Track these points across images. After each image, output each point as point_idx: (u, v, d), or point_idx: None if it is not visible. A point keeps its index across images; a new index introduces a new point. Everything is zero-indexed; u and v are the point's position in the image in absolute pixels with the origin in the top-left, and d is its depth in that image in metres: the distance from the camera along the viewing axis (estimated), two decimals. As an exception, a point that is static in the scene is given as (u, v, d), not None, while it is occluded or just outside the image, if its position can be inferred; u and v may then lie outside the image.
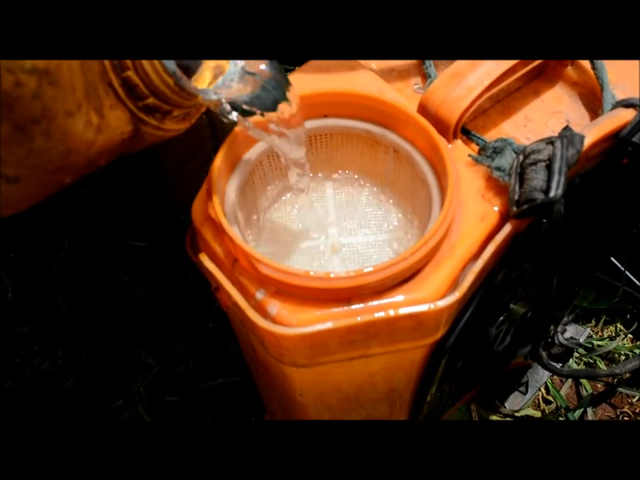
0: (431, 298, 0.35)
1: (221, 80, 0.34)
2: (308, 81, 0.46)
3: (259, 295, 0.36)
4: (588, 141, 0.38)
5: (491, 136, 0.44)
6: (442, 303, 0.35)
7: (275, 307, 0.36)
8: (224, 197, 0.40)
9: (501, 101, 0.46)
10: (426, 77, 0.46)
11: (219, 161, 0.39)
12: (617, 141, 0.41)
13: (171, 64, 0.31)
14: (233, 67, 0.35)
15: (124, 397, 0.85)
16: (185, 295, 0.93)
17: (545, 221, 0.36)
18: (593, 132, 0.39)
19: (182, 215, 0.92)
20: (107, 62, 0.31)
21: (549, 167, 0.36)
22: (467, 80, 0.40)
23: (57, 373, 0.88)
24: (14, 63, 0.25)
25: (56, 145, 0.29)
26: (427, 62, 0.47)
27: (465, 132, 0.43)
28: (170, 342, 0.89)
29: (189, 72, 0.34)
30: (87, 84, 0.29)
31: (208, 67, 0.35)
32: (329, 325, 0.34)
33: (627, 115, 0.41)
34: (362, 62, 0.48)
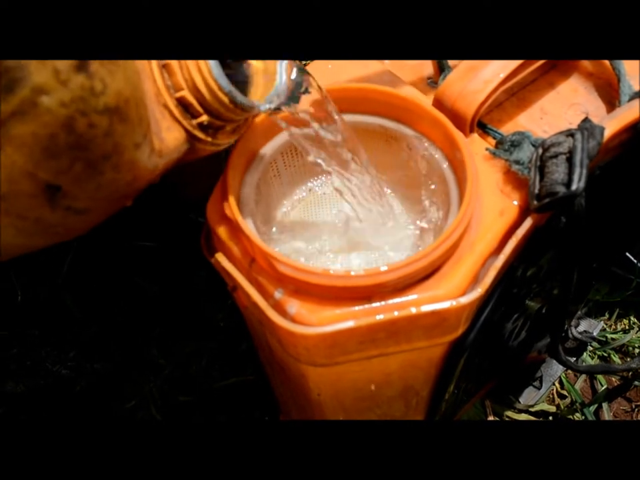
0: (452, 295, 0.35)
1: (274, 91, 0.34)
2: (320, 76, 0.46)
3: (278, 295, 0.36)
4: (607, 133, 0.38)
5: (506, 129, 0.43)
6: (464, 300, 0.35)
7: (294, 306, 0.35)
8: (239, 195, 0.40)
9: (516, 93, 0.46)
10: (439, 70, 0.46)
11: (233, 159, 0.39)
12: (635, 132, 0.40)
13: (225, 82, 0.31)
14: (280, 70, 0.35)
15: (136, 398, 0.85)
16: (196, 295, 0.93)
17: (566, 214, 0.36)
18: (612, 123, 0.39)
19: (191, 212, 0.92)
20: (160, 83, 0.31)
21: (570, 160, 0.35)
22: (483, 73, 0.40)
23: (68, 375, 0.88)
24: (87, 104, 0.25)
25: (124, 176, 0.29)
26: (440, 55, 0.47)
27: (480, 125, 0.43)
28: (182, 342, 0.89)
29: (239, 84, 0.34)
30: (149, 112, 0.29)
31: (258, 74, 0.35)
32: (350, 323, 0.34)
33: (646, 106, 0.40)
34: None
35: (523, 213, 0.38)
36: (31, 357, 0.88)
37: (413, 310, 0.34)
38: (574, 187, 0.34)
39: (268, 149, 0.42)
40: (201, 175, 0.85)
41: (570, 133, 0.36)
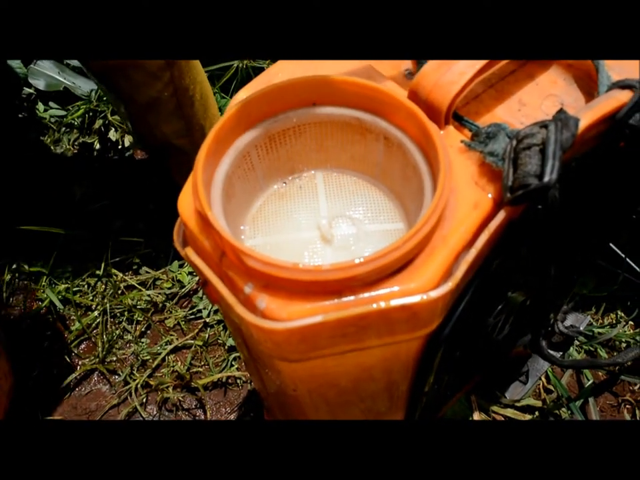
0: (424, 288, 0.34)
1: None
2: (297, 68, 0.45)
3: (248, 289, 0.35)
4: (583, 124, 0.37)
5: (484, 121, 0.43)
6: (434, 294, 0.34)
7: (264, 300, 0.35)
8: (210, 189, 0.39)
9: (494, 85, 0.45)
10: (417, 61, 0.45)
11: (204, 152, 0.38)
12: (613, 123, 0.40)
13: None
14: None
15: (122, 395, 0.84)
16: (181, 290, 0.92)
17: (539, 207, 0.35)
18: (588, 115, 0.38)
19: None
20: None
21: (543, 152, 0.35)
22: (458, 64, 0.39)
23: (54, 372, 0.87)
24: None
25: None
26: (418, 47, 0.46)
27: (457, 118, 0.42)
28: (167, 338, 0.88)
29: None
30: None
31: None
32: (319, 318, 0.33)
33: (623, 96, 0.39)
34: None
35: (498, 206, 0.37)
36: (17, 355, 0.88)
37: (383, 304, 0.33)
38: (546, 178, 0.33)
39: (241, 142, 0.41)
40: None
41: (543, 125, 0.36)
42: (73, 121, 1.15)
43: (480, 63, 0.40)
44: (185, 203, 0.39)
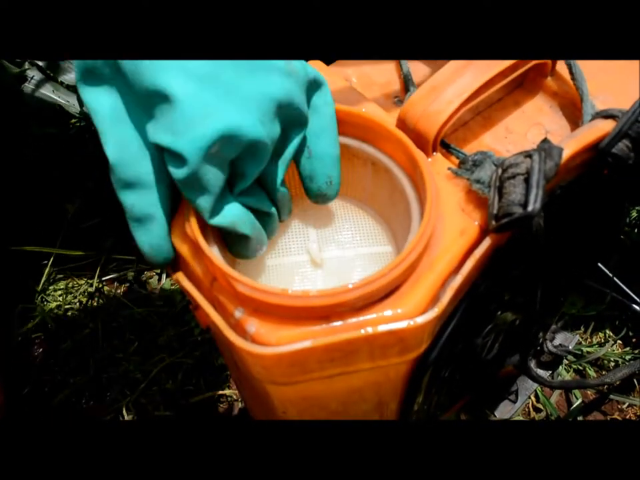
0: (411, 314, 0.35)
1: None
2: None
3: (238, 314, 0.36)
4: (567, 154, 0.38)
5: (471, 148, 0.44)
6: (421, 320, 0.35)
7: (254, 325, 0.35)
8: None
9: (482, 112, 0.46)
10: (405, 89, 0.46)
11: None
12: (596, 152, 0.41)
13: None
14: None
15: (112, 413, 0.84)
16: (173, 309, 0.92)
17: (524, 234, 0.36)
18: (571, 144, 0.39)
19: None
20: None
21: (527, 181, 0.35)
22: (446, 93, 0.40)
23: (44, 389, 0.87)
24: None
25: None
26: (407, 74, 0.47)
27: (445, 145, 0.43)
28: (158, 356, 0.88)
29: None
30: None
31: None
32: (307, 343, 0.34)
33: (606, 125, 0.40)
34: (342, 75, 0.48)
35: (484, 233, 0.38)
36: (7, 370, 0.87)
37: (370, 330, 0.34)
38: (530, 207, 0.34)
39: (233, 167, 0.42)
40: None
41: (528, 154, 0.37)
42: (66, 139, 1.15)
43: (467, 92, 0.40)
44: (177, 227, 0.40)
